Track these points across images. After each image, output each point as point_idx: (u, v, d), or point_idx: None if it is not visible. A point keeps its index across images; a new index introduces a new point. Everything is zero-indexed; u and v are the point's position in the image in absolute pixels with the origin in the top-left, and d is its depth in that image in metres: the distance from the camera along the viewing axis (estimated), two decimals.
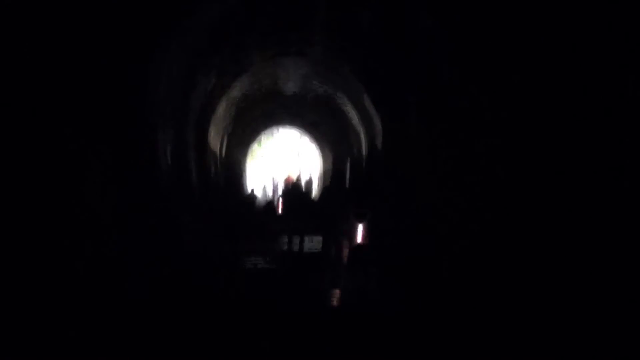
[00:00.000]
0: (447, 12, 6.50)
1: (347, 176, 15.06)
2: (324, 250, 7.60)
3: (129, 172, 5.97)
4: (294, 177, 16.62)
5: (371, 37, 8.93)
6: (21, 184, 3.91)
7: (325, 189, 8.15)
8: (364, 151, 13.57)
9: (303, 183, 18.15)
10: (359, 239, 7.30)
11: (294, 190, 13.70)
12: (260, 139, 28.69)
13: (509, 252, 4.98)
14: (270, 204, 15.29)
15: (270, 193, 26.77)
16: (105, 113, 5.43)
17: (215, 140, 13.49)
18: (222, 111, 12.80)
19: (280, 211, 14.22)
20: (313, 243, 10.70)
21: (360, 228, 7.29)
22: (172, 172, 8.00)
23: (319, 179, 24.44)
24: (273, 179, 31.11)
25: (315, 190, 20.96)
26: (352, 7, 8.31)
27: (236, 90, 12.49)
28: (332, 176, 7.48)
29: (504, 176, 5.31)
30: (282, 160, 33.34)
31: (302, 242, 11.73)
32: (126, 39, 5.69)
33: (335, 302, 6.82)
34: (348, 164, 15.80)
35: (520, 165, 4.98)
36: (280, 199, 15.03)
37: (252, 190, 20.51)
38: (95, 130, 5.19)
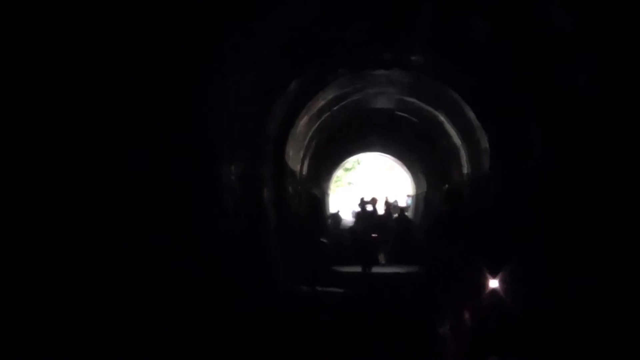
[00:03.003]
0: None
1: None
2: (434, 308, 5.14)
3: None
4: (376, 200, 15.14)
5: (480, 44, 7.37)
6: None
7: (439, 218, 5.26)
8: (465, 175, 11.76)
9: (390, 207, 16.84)
10: (490, 289, 4.70)
11: (370, 213, 12.76)
12: (346, 164, 27.46)
13: None
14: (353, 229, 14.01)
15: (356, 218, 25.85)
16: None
17: (295, 160, 12.27)
18: (302, 127, 11.54)
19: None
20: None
21: (492, 282, 4.77)
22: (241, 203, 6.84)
23: (410, 205, 22.64)
24: (361, 202, 30.02)
25: (409, 214, 19.09)
26: (462, 12, 6.85)
27: (319, 104, 11.22)
28: (447, 198, 4.75)
29: None
30: (370, 186, 32.03)
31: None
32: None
33: None
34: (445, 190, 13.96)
35: None
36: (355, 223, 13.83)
37: (338, 212, 19.48)
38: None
